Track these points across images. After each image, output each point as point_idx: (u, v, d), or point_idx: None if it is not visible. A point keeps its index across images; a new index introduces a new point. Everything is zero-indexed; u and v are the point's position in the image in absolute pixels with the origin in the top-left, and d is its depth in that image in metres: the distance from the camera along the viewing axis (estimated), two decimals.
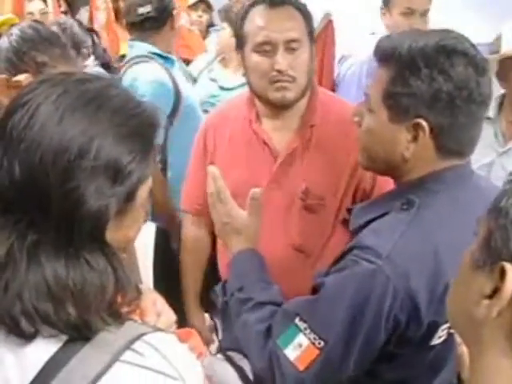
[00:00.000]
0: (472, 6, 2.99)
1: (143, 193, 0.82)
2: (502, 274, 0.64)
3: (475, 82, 1.08)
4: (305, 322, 1.09)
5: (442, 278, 1.05)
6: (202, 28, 3.96)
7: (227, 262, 1.32)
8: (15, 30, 1.57)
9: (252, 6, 1.55)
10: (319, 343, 1.07)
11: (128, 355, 0.74)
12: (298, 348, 1.09)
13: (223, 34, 2.97)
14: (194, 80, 3.07)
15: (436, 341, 1.11)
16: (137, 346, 0.75)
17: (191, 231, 1.79)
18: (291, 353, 1.09)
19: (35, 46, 1.53)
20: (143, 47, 2.40)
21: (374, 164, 1.21)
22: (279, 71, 1.48)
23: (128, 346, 0.74)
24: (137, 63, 2.37)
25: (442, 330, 1.11)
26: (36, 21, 1.71)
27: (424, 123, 1.08)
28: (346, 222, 1.31)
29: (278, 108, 1.56)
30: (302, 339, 1.09)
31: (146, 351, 0.75)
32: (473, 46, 1.12)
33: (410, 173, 1.15)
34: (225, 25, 2.97)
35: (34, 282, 0.74)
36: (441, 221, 1.10)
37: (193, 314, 1.82)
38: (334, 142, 1.54)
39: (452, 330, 1.10)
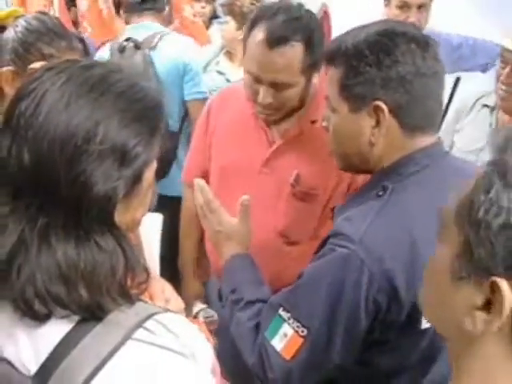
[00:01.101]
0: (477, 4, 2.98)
1: (149, 175, 0.84)
2: (493, 287, 0.64)
3: (421, 57, 1.13)
4: (288, 311, 1.13)
5: (419, 258, 1.07)
6: (205, 19, 3.95)
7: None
8: (21, 22, 1.58)
9: (254, 25, 1.50)
10: (302, 331, 1.10)
11: (140, 333, 0.76)
12: (284, 338, 1.12)
13: (228, 28, 2.96)
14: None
15: (426, 324, 1.11)
16: (148, 324, 0.77)
17: (189, 202, 1.88)
18: (278, 343, 1.13)
19: (41, 37, 1.54)
20: (155, 26, 2.61)
21: (348, 162, 1.24)
22: (262, 106, 1.51)
23: (140, 324, 0.76)
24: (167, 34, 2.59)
25: None
26: (41, 12, 1.72)
27: (382, 104, 1.13)
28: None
29: None
30: (287, 329, 1.12)
31: (157, 330, 0.77)
32: (412, 26, 1.19)
33: (382, 160, 1.18)
34: (228, 18, 2.96)
35: (45, 265, 0.75)
36: (413, 203, 1.13)
37: (188, 281, 1.92)
38: None
39: None
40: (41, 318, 0.76)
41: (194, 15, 3.96)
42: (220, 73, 3.00)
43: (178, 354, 0.77)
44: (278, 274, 1.47)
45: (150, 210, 0.90)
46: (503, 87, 2.06)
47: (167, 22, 4.38)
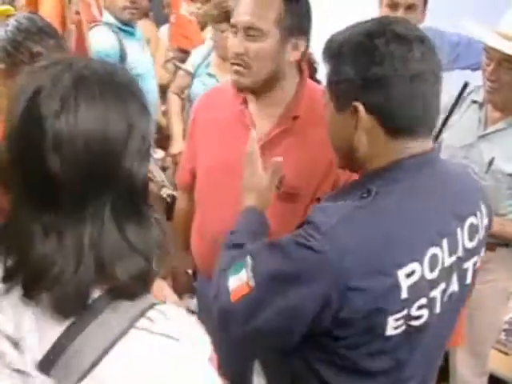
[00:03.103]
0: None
1: None
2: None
3: (400, 58, 1.11)
4: (252, 260, 1.17)
5: (387, 266, 1.07)
6: (200, 19, 3.95)
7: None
8: (11, 21, 1.61)
9: None
10: (252, 283, 1.14)
11: (142, 322, 0.79)
12: (238, 281, 1.16)
13: (225, 34, 2.95)
14: (193, 74, 3.09)
15: (391, 331, 1.10)
16: (150, 313, 0.80)
17: (182, 204, 1.96)
18: (232, 282, 1.17)
19: (30, 36, 1.56)
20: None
21: (340, 159, 1.25)
22: (233, 53, 1.53)
23: (142, 313, 0.79)
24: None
25: (396, 320, 1.09)
26: (32, 12, 1.73)
27: (359, 105, 1.12)
28: None
29: (251, 93, 1.60)
30: (243, 274, 1.16)
31: (158, 319, 0.80)
32: (400, 24, 1.16)
33: (369, 162, 1.17)
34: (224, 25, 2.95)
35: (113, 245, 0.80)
36: (396, 210, 1.11)
37: (180, 255, 1.97)
38: (316, 135, 1.54)
39: (413, 323, 1.11)
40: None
41: (190, 15, 3.97)
42: (211, 75, 2.99)
43: (179, 341, 0.79)
44: None
45: None
46: (489, 83, 2.08)
47: (163, 20, 4.41)
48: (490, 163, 2.11)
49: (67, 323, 0.78)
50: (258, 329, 1.14)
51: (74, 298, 0.77)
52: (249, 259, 1.17)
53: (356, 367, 1.15)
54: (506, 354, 2.63)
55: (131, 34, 3.07)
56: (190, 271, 2.13)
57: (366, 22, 1.19)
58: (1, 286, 0.81)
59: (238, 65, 1.54)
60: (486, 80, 2.09)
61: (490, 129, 2.15)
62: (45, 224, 0.78)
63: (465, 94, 2.29)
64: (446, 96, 2.32)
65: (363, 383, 1.18)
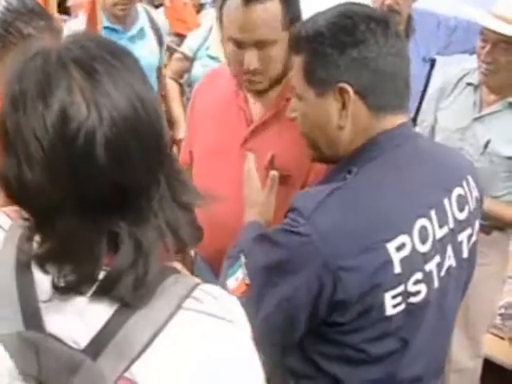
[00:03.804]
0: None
1: None
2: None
3: (382, 36, 1.13)
4: (245, 257, 1.18)
5: (374, 241, 1.07)
6: (195, 2, 3.93)
7: None
8: (2, 2, 1.58)
9: None
10: (247, 280, 1.15)
11: (189, 302, 0.78)
12: (235, 281, 1.17)
13: None
14: (192, 59, 3.06)
15: (391, 310, 1.10)
16: (196, 293, 0.79)
17: None
18: (231, 283, 1.18)
19: (20, 16, 1.54)
20: None
21: (320, 151, 1.24)
22: (248, 69, 1.50)
23: (189, 294, 0.79)
24: None
25: (393, 298, 1.09)
26: None
27: (346, 86, 1.12)
28: None
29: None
30: (240, 273, 1.17)
31: (205, 298, 0.79)
32: (365, 7, 1.20)
33: (351, 144, 1.17)
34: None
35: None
36: (376, 185, 1.12)
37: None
38: None
39: (412, 300, 1.11)
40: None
41: None
42: (211, 57, 2.96)
43: (226, 320, 0.79)
44: None
45: None
46: (484, 65, 2.07)
47: (158, 2, 4.38)
48: (486, 145, 2.11)
49: (115, 307, 0.77)
50: (259, 327, 1.12)
51: (133, 289, 0.76)
52: (242, 258, 1.18)
53: (358, 354, 1.14)
54: (502, 338, 2.64)
55: (119, 33, 2.94)
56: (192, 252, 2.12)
57: (332, 8, 1.19)
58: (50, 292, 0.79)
59: (253, 76, 1.52)
60: (481, 62, 2.08)
61: (485, 111, 2.15)
62: (110, 233, 0.76)
63: (434, 70, 2.30)
64: (441, 79, 2.32)
65: (369, 369, 1.16)
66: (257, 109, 1.61)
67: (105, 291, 0.76)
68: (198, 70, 2.98)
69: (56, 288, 0.77)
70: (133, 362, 0.75)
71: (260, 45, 1.47)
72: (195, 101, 1.78)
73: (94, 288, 0.77)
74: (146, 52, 2.99)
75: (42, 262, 0.78)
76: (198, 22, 3.64)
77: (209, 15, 3.48)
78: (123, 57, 0.77)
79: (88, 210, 0.74)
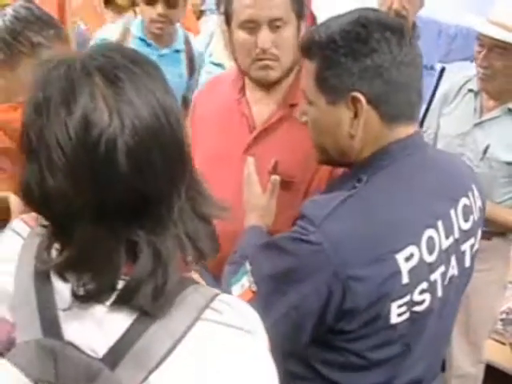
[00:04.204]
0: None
1: None
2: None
3: (397, 44, 1.11)
4: (251, 264, 1.17)
5: (384, 251, 1.07)
6: (196, 8, 3.93)
7: None
8: (9, 11, 1.59)
9: None
10: (254, 288, 1.14)
11: (208, 313, 0.78)
12: (241, 288, 1.16)
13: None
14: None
15: (396, 319, 1.10)
16: (215, 304, 0.79)
17: None
18: (236, 290, 1.17)
19: (30, 25, 1.54)
20: None
21: (329, 155, 1.24)
22: (262, 49, 1.51)
23: (208, 304, 0.79)
24: None
25: (399, 307, 1.09)
26: (28, 1, 1.71)
27: (359, 95, 1.11)
28: None
29: (263, 85, 1.59)
30: (245, 280, 1.16)
31: (224, 309, 0.79)
32: (386, 14, 1.22)
33: (362, 152, 1.17)
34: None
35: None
36: (387, 195, 1.12)
37: None
38: None
39: (416, 309, 1.11)
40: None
41: None
42: (215, 64, 2.95)
43: (245, 331, 0.79)
44: None
45: None
46: (481, 70, 2.10)
47: None
48: (485, 151, 2.13)
49: (134, 316, 0.77)
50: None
51: (152, 299, 0.76)
52: (247, 265, 1.17)
53: (361, 360, 1.14)
54: (503, 344, 2.64)
55: (152, 48, 2.76)
56: None
57: (345, 14, 1.18)
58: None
59: (267, 60, 1.52)
60: (478, 67, 2.11)
61: (485, 117, 2.17)
62: (128, 241, 0.76)
63: (442, 78, 2.31)
64: (447, 84, 2.34)
65: (371, 374, 1.17)
66: (259, 115, 1.62)
67: (124, 300, 0.77)
68: (203, 76, 2.97)
69: (75, 296, 0.77)
70: (151, 372, 0.75)
71: (274, 24, 1.49)
72: (196, 107, 1.78)
73: (113, 297, 0.77)
74: (174, 76, 2.83)
75: (61, 270, 0.78)
76: (199, 29, 3.64)
77: (209, 21, 3.48)
78: (146, 66, 0.78)
79: (107, 218, 0.74)
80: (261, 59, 1.52)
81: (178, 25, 2.81)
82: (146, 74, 0.77)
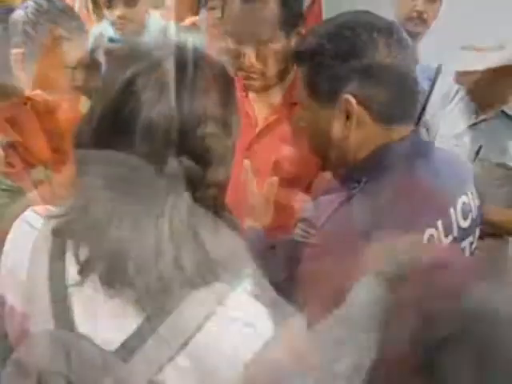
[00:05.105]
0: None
1: None
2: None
3: (385, 45, 1.11)
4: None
5: None
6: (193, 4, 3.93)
7: None
8: (30, 3, 1.57)
9: None
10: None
11: (220, 310, 0.80)
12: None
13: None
14: None
15: None
16: (226, 301, 0.80)
17: None
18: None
19: (52, 18, 1.54)
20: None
21: (327, 160, 1.23)
22: (246, 64, 1.54)
23: (219, 301, 0.80)
24: None
25: None
26: None
27: (349, 97, 1.11)
28: None
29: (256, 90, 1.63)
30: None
31: (235, 306, 0.81)
32: (375, 15, 1.17)
33: (356, 153, 1.16)
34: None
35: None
36: (386, 195, 1.11)
37: None
38: None
39: None
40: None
41: None
42: None
43: (255, 328, 0.80)
44: None
45: None
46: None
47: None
48: (478, 152, 2.15)
49: (147, 311, 0.78)
50: None
51: (156, 292, 0.77)
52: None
53: None
54: None
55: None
56: None
57: (334, 18, 1.19)
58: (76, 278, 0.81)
59: (251, 72, 1.56)
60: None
61: (480, 117, 2.19)
62: (121, 210, 0.78)
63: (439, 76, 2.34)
64: (445, 85, 2.36)
65: None
66: (262, 113, 1.66)
67: (138, 295, 0.78)
68: None
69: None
70: (162, 366, 0.77)
71: (257, 42, 1.52)
72: None
73: (126, 291, 0.79)
74: None
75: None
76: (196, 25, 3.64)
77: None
78: None
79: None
80: (245, 71, 1.56)
81: (155, 17, 2.77)
82: None
